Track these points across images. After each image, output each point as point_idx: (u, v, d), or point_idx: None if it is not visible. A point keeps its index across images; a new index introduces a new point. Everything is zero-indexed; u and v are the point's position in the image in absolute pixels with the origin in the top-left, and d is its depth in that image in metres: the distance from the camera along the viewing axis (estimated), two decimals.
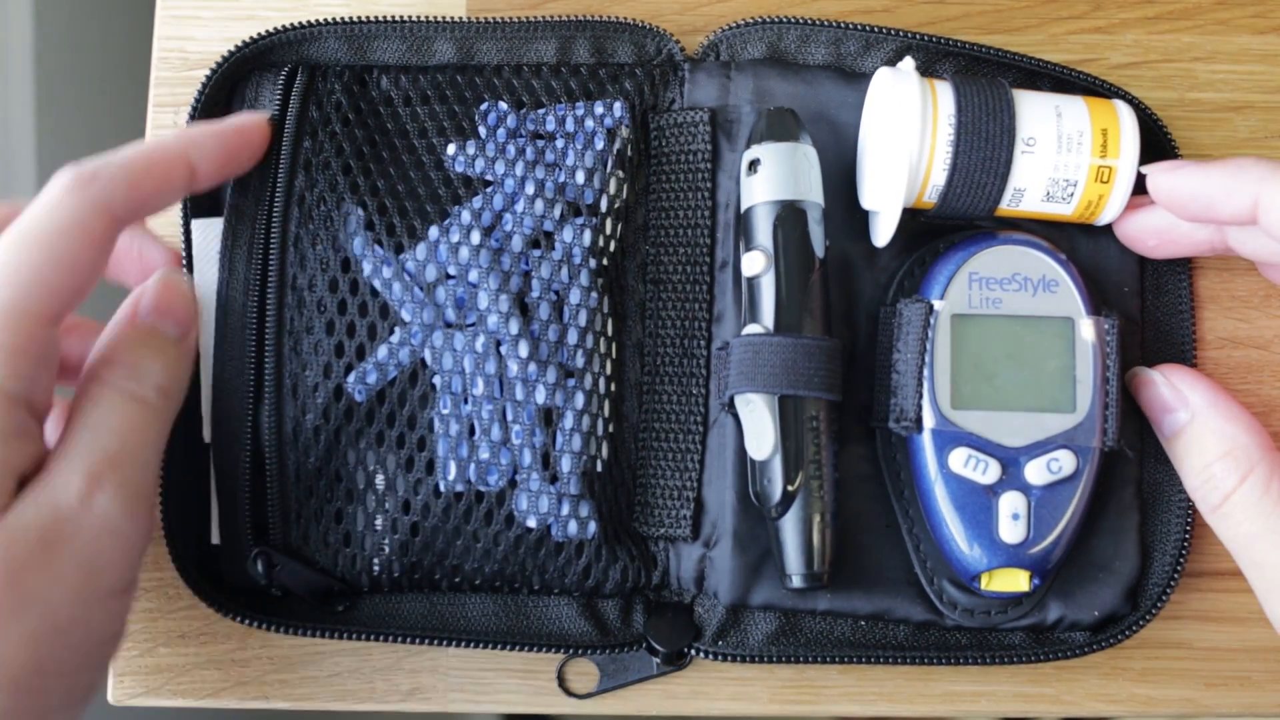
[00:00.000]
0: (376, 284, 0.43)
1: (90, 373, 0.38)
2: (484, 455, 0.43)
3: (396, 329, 0.43)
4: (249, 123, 0.43)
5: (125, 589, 0.37)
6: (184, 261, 0.45)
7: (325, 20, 0.45)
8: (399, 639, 0.43)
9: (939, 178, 0.43)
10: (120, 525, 0.35)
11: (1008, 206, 0.44)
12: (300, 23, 0.46)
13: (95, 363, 0.38)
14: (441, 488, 0.43)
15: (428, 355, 0.43)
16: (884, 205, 0.43)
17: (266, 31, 0.45)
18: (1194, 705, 0.46)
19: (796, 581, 0.42)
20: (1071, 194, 0.43)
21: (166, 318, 0.40)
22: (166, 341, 0.40)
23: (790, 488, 0.41)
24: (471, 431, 0.43)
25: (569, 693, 0.45)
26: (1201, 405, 0.42)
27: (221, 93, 0.46)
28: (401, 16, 0.46)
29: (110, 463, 0.36)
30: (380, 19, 0.46)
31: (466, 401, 0.43)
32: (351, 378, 0.43)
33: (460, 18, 0.46)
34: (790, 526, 0.42)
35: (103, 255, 0.37)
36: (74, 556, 0.34)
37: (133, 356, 0.39)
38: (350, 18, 0.46)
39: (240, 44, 0.45)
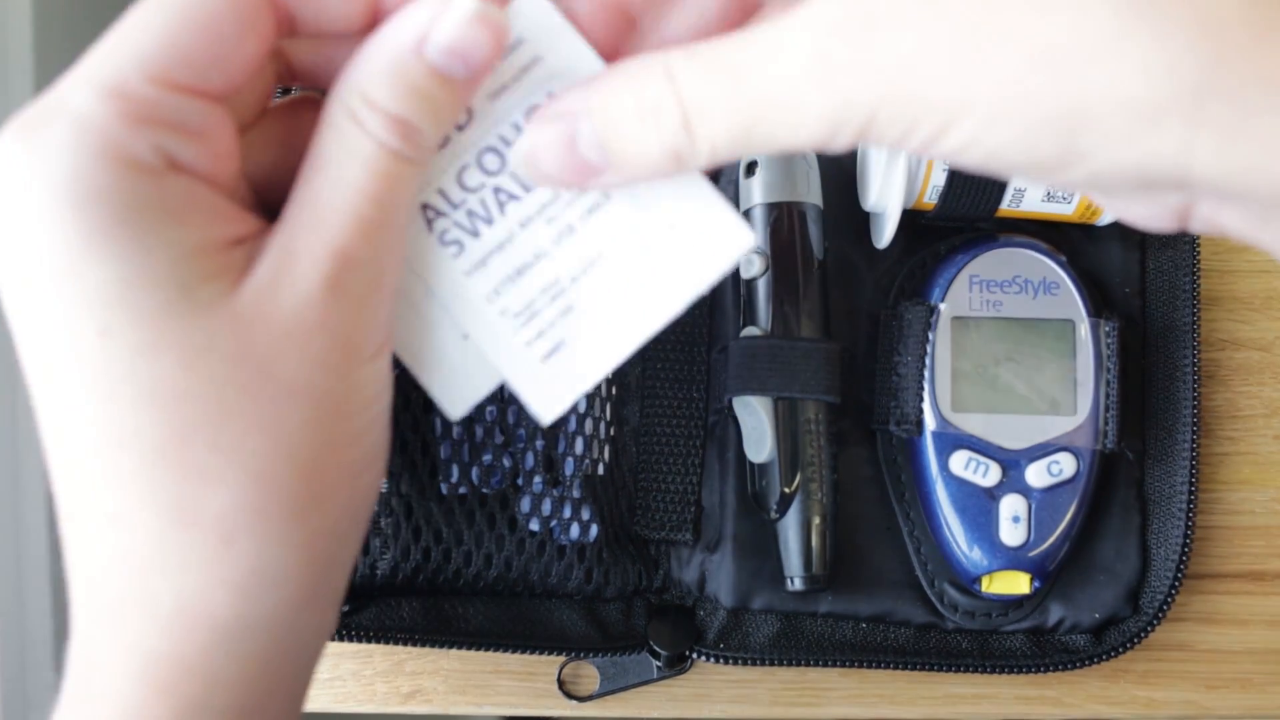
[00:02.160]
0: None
1: (344, 102, 0.30)
2: (487, 459, 0.43)
3: None
4: None
5: (378, 352, 0.31)
6: None
7: None
8: (401, 641, 0.43)
9: (939, 178, 0.43)
10: (367, 299, 0.30)
11: (1009, 207, 0.43)
12: None
13: (352, 90, 0.30)
14: (444, 491, 0.43)
15: None
16: (885, 206, 0.43)
17: None
18: (1195, 707, 0.46)
19: (796, 583, 0.42)
20: (1072, 193, 0.43)
21: (459, 60, 0.31)
22: (450, 86, 0.31)
23: (788, 490, 0.41)
24: (474, 435, 0.43)
25: (569, 695, 0.45)
26: (580, 98, 0.32)
27: None
28: None
29: (363, 236, 0.30)
30: None
31: None
32: None
33: None
34: (789, 529, 0.42)
35: (245, 27, 0.30)
36: (326, 342, 0.29)
37: (404, 108, 0.30)
38: None
39: None
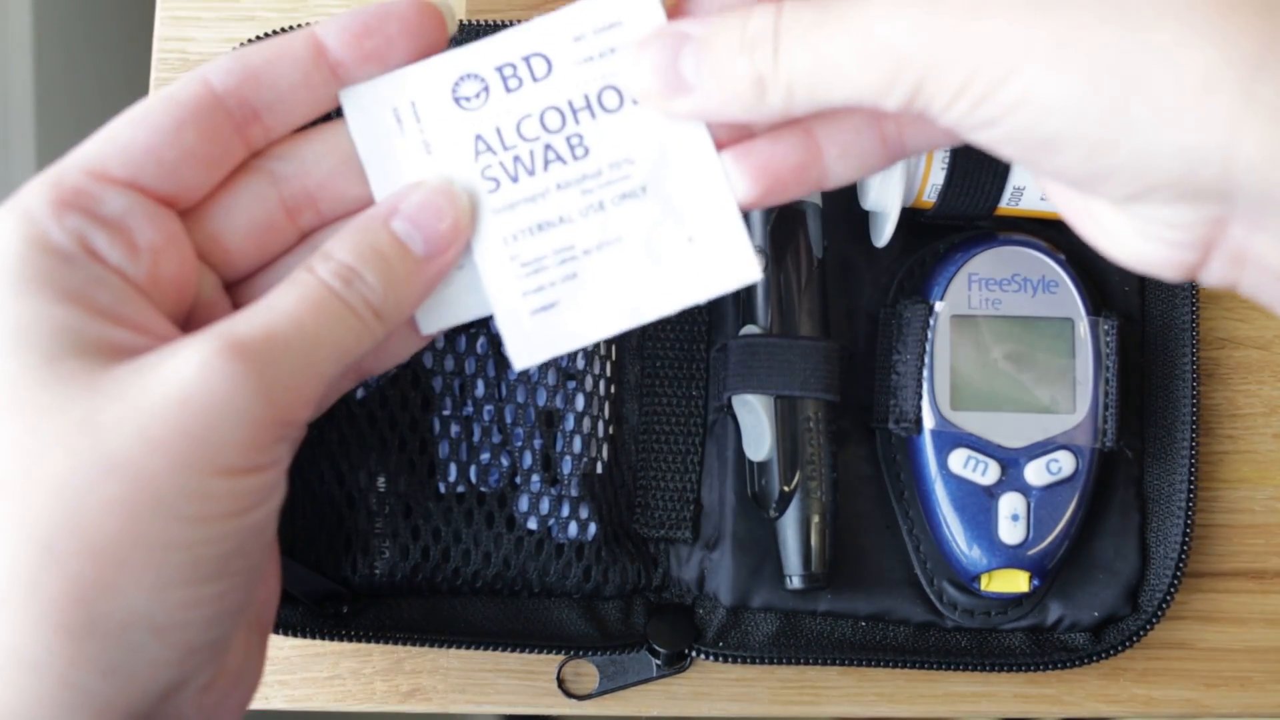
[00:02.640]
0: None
1: (306, 261, 0.32)
2: (483, 458, 0.43)
3: None
4: (399, 0, 0.35)
5: (251, 469, 0.30)
6: None
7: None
8: (400, 641, 0.43)
9: (938, 176, 0.43)
10: (248, 407, 0.29)
11: (1007, 205, 0.43)
12: (291, 27, 0.45)
13: (320, 251, 0.32)
14: (442, 490, 0.43)
15: (429, 358, 0.43)
16: (884, 205, 0.43)
17: (260, 36, 0.45)
18: (1195, 706, 0.46)
19: (795, 582, 0.42)
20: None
21: (419, 231, 0.33)
22: (406, 257, 0.33)
23: (787, 488, 0.41)
24: (472, 434, 0.43)
25: (569, 694, 0.45)
26: (686, 24, 0.33)
27: None
28: None
29: (265, 340, 0.30)
30: None
31: (467, 404, 0.43)
32: None
33: (460, 19, 0.46)
34: (788, 527, 0.42)
35: (182, 116, 0.31)
36: (179, 425, 0.28)
37: (353, 257, 0.32)
38: None
39: (237, 48, 0.45)
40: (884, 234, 0.44)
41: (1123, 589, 0.44)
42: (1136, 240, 0.30)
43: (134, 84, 0.55)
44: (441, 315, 0.35)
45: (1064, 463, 0.42)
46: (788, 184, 0.34)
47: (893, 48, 0.28)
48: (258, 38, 0.45)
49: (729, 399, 0.43)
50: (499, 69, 0.34)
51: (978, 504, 0.42)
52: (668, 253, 0.34)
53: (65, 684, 0.28)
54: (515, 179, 0.34)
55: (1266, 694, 0.46)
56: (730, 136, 0.34)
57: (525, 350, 0.35)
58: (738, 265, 0.34)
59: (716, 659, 0.44)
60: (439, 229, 0.34)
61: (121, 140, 0.31)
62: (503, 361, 0.43)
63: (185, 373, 0.29)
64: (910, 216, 0.45)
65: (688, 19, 0.32)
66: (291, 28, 0.45)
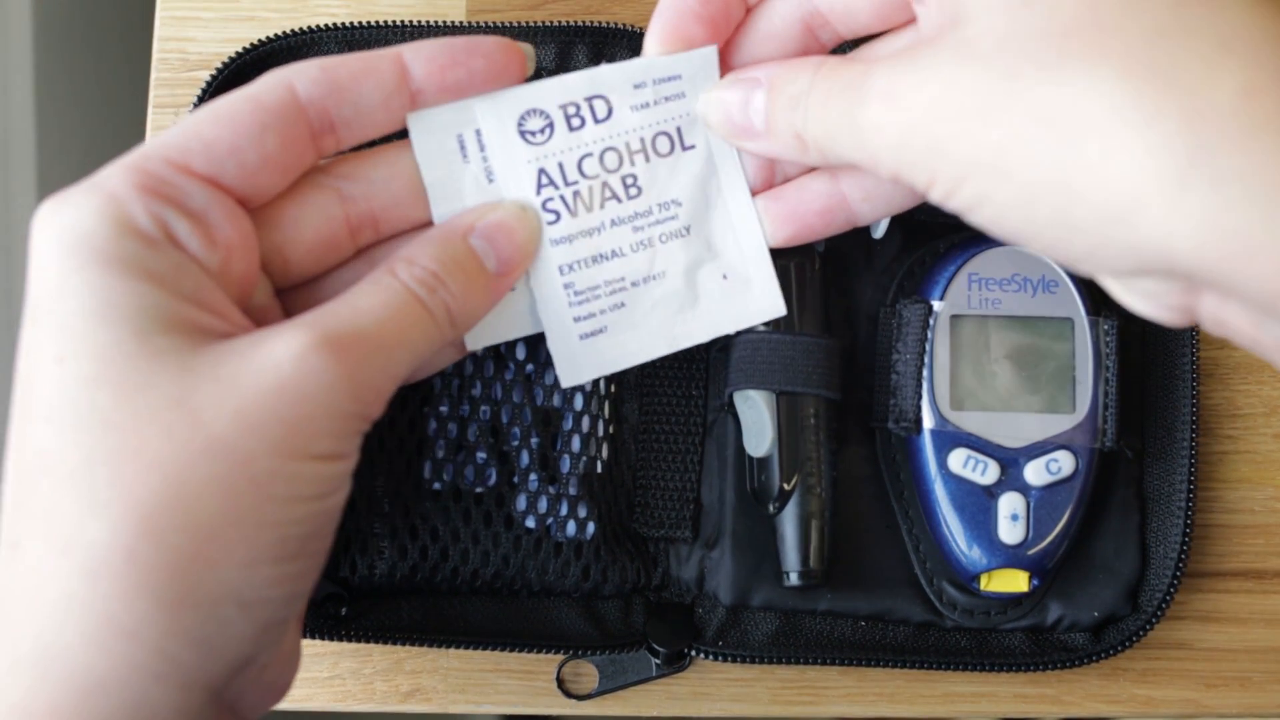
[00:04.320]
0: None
1: (388, 263, 0.34)
2: (481, 457, 0.43)
3: None
4: (482, 37, 0.36)
5: (335, 456, 0.32)
6: None
7: (324, 26, 0.45)
8: (399, 641, 0.43)
9: None
10: (337, 400, 0.31)
11: None
12: (299, 29, 0.45)
13: (395, 256, 0.34)
14: (439, 489, 0.43)
15: None
16: None
17: (264, 39, 0.45)
18: (1194, 706, 0.46)
19: (793, 579, 0.42)
20: None
21: (494, 249, 0.36)
22: (482, 272, 0.35)
23: (787, 485, 0.42)
24: (469, 433, 0.43)
25: (568, 694, 0.45)
26: (765, 71, 0.36)
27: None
28: (401, 21, 0.46)
29: (354, 336, 0.31)
30: (379, 24, 0.46)
31: (465, 403, 0.43)
32: None
33: (460, 21, 0.46)
34: (787, 524, 0.42)
35: (264, 122, 0.33)
36: (276, 411, 0.30)
37: (437, 265, 0.34)
38: (349, 22, 0.45)
39: (238, 52, 0.45)
40: (880, 225, 0.44)
41: (1123, 589, 0.44)
42: (1129, 298, 0.32)
43: (134, 84, 0.55)
44: (490, 333, 0.38)
45: (1064, 462, 0.42)
46: (814, 227, 0.38)
47: (878, 142, 0.32)
48: (250, 48, 0.45)
49: (730, 395, 0.43)
50: (563, 107, 0.37)
51: (977, 504, 0.42)
52: (705, 288, 0.39)
53: (158, 653, 0.29)
54: (574, 213, 0.37)
55: (1266, 694, 0.46)
56: (763, 181, 0.38)
57: (572, 370, 0.39)
58: (767, 301, 0.39)
59: (716, 658, 0.44)
60: (512, 249, 0.36)
61: (206, 136, 0.32)
62: (501, 361, 0.43)
63: (281, 360, 0.30)
64: (910, 213, 0.45)
65: (758, 66, 0.36)
66: (290, 33, 0.45)
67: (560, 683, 0.46)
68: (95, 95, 0.93)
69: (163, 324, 0.30)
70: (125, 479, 0.28)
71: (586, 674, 0.46)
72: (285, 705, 0.45)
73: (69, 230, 0.30)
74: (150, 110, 0.49)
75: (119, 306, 0.30)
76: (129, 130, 0.49)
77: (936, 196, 0.31)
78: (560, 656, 0.45)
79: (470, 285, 0.35)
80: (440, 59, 0.35)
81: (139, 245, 0.30)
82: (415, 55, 0.35)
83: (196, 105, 0.45)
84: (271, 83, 0.33)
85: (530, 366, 0.43)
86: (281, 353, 0.30)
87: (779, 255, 0.40)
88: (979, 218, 0.31)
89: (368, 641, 0.43)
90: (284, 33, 0.45)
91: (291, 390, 0.30)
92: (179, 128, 0.32)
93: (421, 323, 0.34)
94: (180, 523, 0.29)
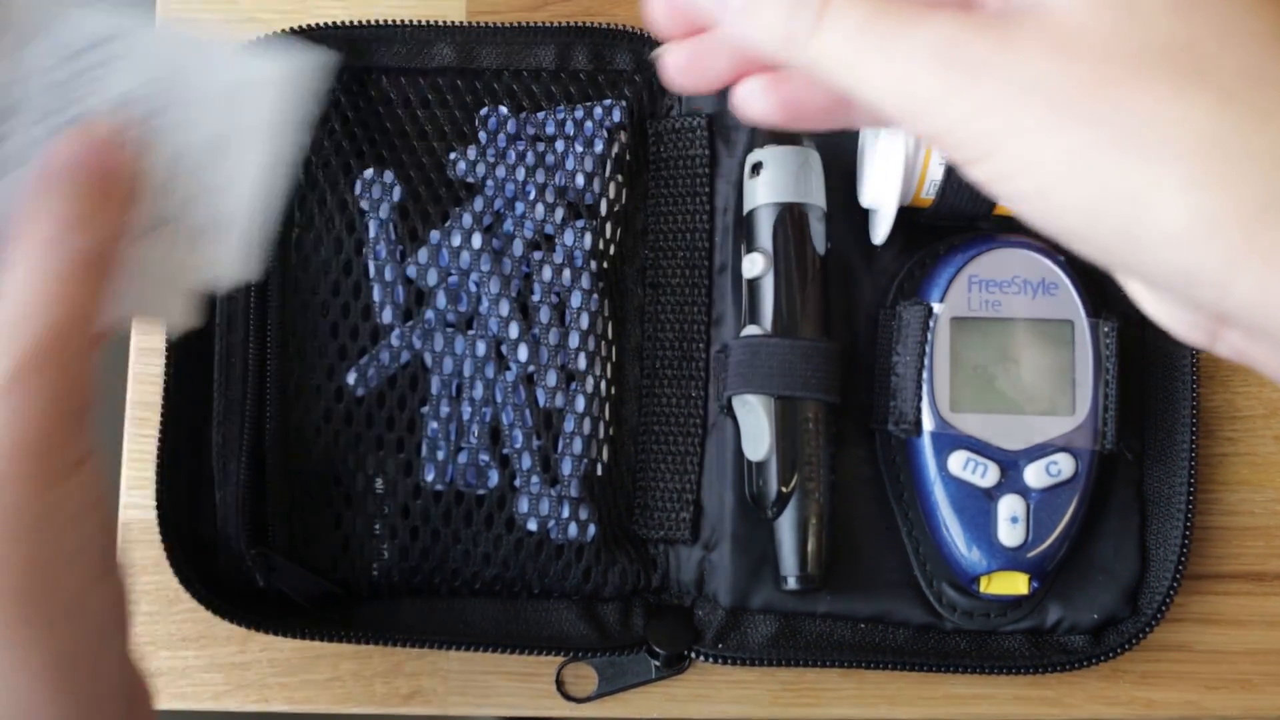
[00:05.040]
0: (378, 287, 0.43)
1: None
2: (483, 459, 0.43)
3: (397, 332, 0.43)
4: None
5: (76, 468, 0.30)
6: None
7: (325, 25, 0.45)
8: (400, 643, 0.43)
9: (936, 173, 0.43)
10: (55, 408, 0.30)
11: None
12: (300, 26, 0.45)
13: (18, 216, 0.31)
14: (440, 490, 0.43)
15: (428, 359, 0.43)
16: (881, 202, 0.43)
17: (258, 42, 0.45)
18: (1194, 708, 0.46)
19: (791, 583, 0.42)
20: None
21: (82, 171, 0.32)
22: (96, 183, 0.32)
23: (785, 489, 0.41)
24: (469, 435, 0.43)
25: (568, 696, 0.45)
26: None
27: None
28: (401, 20, 0.46)
29: (44, 351, 0.29)
30: (380, 23, 0.46)
31: (466, 405, 0.43)
32: (352, 380, 0.43)
33: (460, 21, 0.46)
34: (786, 528, 0.42)
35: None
36: (11, 453, 0.29)
37: (52, 205, 0.31)
38: (350, 21, 0.46)
39: None
40: (881, 231, 0.44)
41: (1122, 591, 0.44)
42: (1155, 310, 0.31)
43: None
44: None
45: (1063, 465, 0.42)
46: (810, 121, 0.33)
47: (915, 95, 0.28)
48: (264, 38, 0.45)
49: (729, 399, 0.43)
50: None
51: (977, 506, 0.42)
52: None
53: None
54: None
55: (1266, 696, 0.46)
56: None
57: None
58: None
59: (715, 660, 0.44)
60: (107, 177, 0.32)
61: None
62: (503, 362, 0.43)
63: None
64: (910, 217, 0.45)
65: None
66: (290, 32, 0.45)
67: (560, 685, 0.46)
68: None
69: None
70: None
71: (586, 676, 0.46)
72: (285, 707, 0.46)
73: None
74: None
75: None
76: None
77: (980, 175, 0.29)
78: (560, 658, 0.45)
79: (95, 204, 0.32)
80: None
81: None
82: None
83: None
84: None
85: (532, 368, 0.43)
86: None
87: (782, 260, 0.40)
88: (1027, 208, 0.29)
89: (368, 643, 0.43)
90: (280, 31, 0.45)
91: (16, 435, 0.29)
92: None
93: (82, 289, 0.31)
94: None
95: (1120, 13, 0.27)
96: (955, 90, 0.27)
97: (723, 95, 0.46)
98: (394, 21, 0.46)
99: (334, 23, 0.46)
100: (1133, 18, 0.27)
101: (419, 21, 0.46)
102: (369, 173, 0.44)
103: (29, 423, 0.29)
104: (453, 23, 0.46)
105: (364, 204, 0.44)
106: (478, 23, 0.46)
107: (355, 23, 0.46)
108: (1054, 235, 0.29)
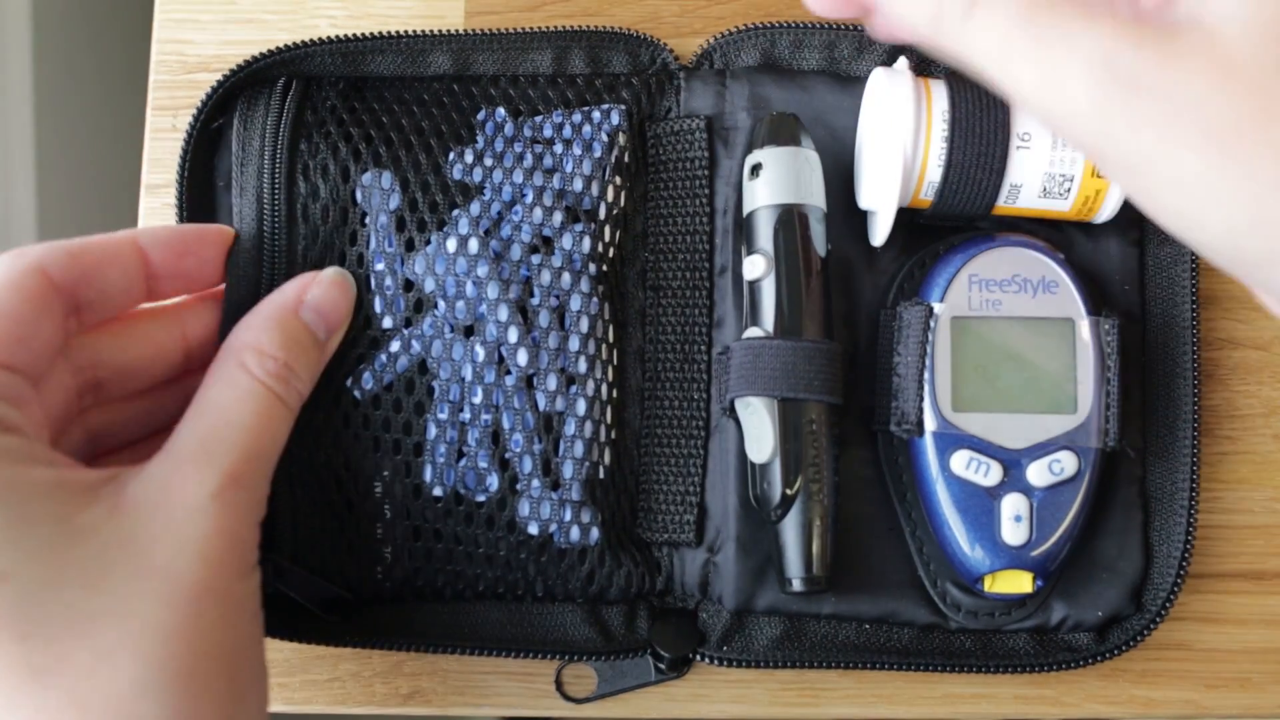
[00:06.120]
0: (378, 293, 0.43)
1: (235, 354, 0.37)
2: (483, 464, 0.43)
3: (397, 337, 0.43)
4: (208, 226, 0.42)
5: (256, 565, 0.36)
6: None
7: (321, 40, 0.45)
8: (401, 647, 0.43)
9: (935, 174, 0.43)
10: (253, 517, 0.35)
11: (1005, 204, 0.43)
12: (295, 43, 0.45)
13: (244, 345, 0.37)
14: (440, 494, 0.43)
15: (429, 363, 0.43)
16: (880, 204, 0.43)
17: (259, 55, 0.45)
18: (1194, 707, 0.46)
19: (796, 585, 0.42)
20: (1068, 189, 0.43)
21: (324, 319, 0.39)
22: (315, 343, 0.39)
23: (789, 491, 0.41)
24: (468, 439, 0.43)
25: (567, 697, 0.45)
26: None
27: (217, 110, 0.46)
28: (397, 31, 0.46)
29: (246, 460, 0.34)
30: (376, 35, 0.46)
31: (466, 409, 0.43)
32: (349, 383, 0.43)
33: (459, 21, 0.46)
34: (790, 530, 0.42)
35: (39, 309, 0.35)
36: (220, 542, 0.33)
37: (284, 352, 0.37)
38: (346, 35, 0.46)
39: (234, 68, 0.45)
40: (880, 233, 0.44)
41: (1126, 588, 0.44)
42: None
43: (133, 86, 0.55)
44: None
45: (1066, 463, 0.42)
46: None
47: (1068, 99, 0.27)
48: (246, 64, 0.45)
49: (732, 401, 0.43)
50: None
51: (980, 505, 0.42)
52: None
53: None
54: None
55: (1266, 695, 0.46)
56: None
57: None
58: None
59: (721, 663, 0.44)
60: (339, 316, 0.40)
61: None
62: (502, 366, 0.43)
63: (203, 505, 0.33)
64: (909, 217, 0.45)
65: None
66: (286, 48, 0.45)
67: (559, 685, 0.46)
68: (94, 97, 0.93)
69: (72, 501, 0.32)
70: (115, 640, 0.30)
71: (585, 677, 0.46)
72: (285, 708, 0.45)
73: None
74: (149, 112, 0.49)
75: (23, 504, 0.31)
76: (128, 132, 0.49)
77: (1125, 187, 0.29)
78: (560, 659, 0.45)
79: (310, 361, 0.38)
80: (175, 246, 0.38)
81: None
82: (152, 242, 0.38)
83: (190, 128, 0.45)
84: (26, 268, 0.35)
85: (532, 372, 0.43)
86: (195, 501, 0.33)
87: (783, 266, 0.40)
88: (1168, 222, 0.29)
89: (370, 647, 0.43)
90: (276, 49, 0.45)
91: (219, 533, 0.33)
92: None
93: (283, 417, 0.37)
94: (178, 656, 0.31)
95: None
96: (1111, 103, 0.27)
97: (720, 99, 0.46)
98: (391, 32, 0.46)
99: (331, 37, 0.46)
100: None
101: (415, 31, 0.46)
102: (368, 176, 0.44)
103: (234, 523, 0.33)
104: (449, 31, 0.46)
105: (364, 208, 0.44)
106: (474, 30, 0.46)
107: (351, 36, 0.46)
108: (1189, 246, 0.30)
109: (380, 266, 0.44)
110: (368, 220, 0.44)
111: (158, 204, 0.48)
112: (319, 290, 0.39)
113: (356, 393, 0.43)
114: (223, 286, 0.42)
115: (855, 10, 0.32)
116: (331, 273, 0.40)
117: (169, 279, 0.39)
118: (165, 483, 0.33)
